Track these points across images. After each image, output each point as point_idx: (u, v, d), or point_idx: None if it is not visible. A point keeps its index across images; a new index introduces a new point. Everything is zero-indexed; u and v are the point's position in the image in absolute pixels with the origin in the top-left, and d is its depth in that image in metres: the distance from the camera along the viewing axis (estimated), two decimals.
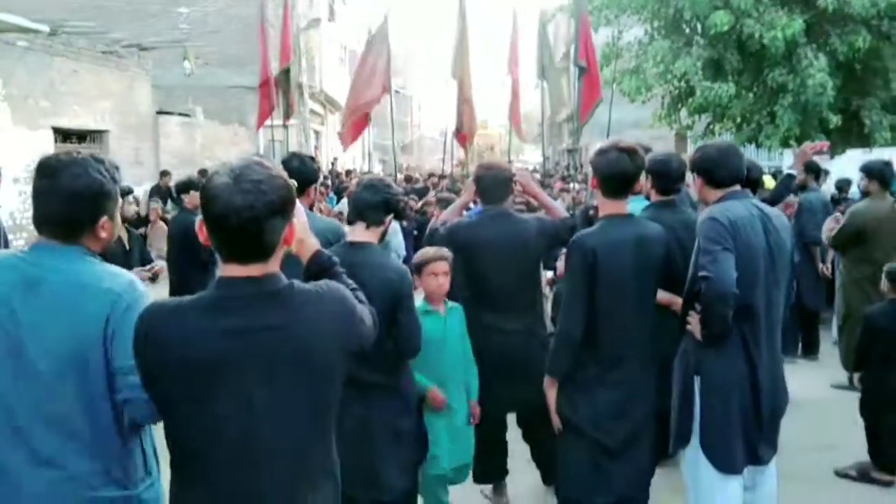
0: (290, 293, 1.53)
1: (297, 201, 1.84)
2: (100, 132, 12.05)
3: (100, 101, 11.86)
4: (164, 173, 12.27)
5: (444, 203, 6.46)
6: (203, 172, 11.17)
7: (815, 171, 6.37)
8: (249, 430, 1.48)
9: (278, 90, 13.69)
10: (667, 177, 3.41)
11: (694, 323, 2.70)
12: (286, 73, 14.13)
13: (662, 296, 2.94)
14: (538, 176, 13.17)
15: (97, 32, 12.36)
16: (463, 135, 13.82)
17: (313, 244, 1.81)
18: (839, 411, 4.85)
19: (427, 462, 3.05)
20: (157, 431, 1.66)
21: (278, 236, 1.51)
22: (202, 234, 1.52)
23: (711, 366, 2.71)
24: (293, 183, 1.56)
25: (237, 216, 1.43)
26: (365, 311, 1.67)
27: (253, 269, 1.50)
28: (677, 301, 2.87)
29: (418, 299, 3.16)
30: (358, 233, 2.69)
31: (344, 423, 2.45)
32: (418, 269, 3.16)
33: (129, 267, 4.24)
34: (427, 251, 3.21)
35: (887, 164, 5.26)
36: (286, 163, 3.33)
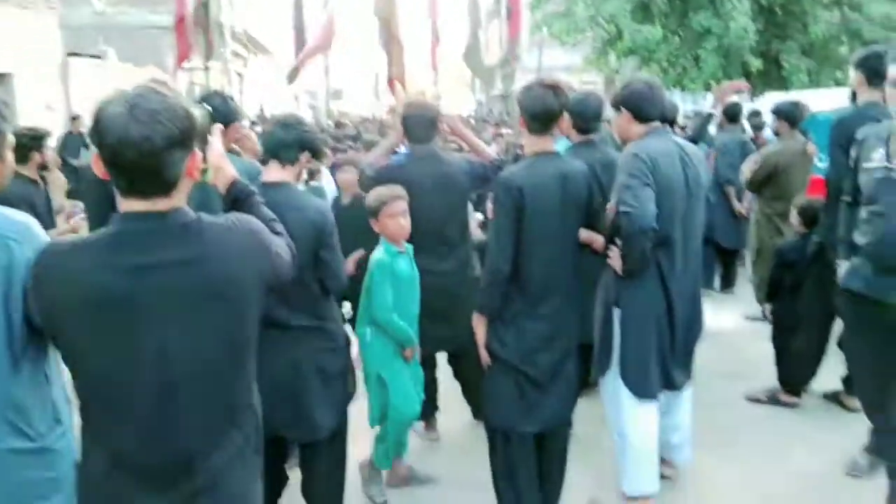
0: (199, 227, 1.47)
1: (217, 129, 1.76)
2: (2, 76, 11.24)
3: (2, 43, 11.03)
4: (75, 118, 11.61)
5: (370, 145, 6.36)
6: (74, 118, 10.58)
7: (732, 114, 6.55)
8: (163, 370, 1.44)
9: (197, 29, 13.03)
10: (584, 115, 3.44)
11: (614, 256, 2.78)
12: (205, 9, 13.44)
13: (583, 234, 3.00)
14: (472, 122, 13.15)
15: None
16: (392, 81, 13.58)
17: (230, 173, 1.75)
18: (752, 341, 5.14)
19: (394, 408, 3.12)
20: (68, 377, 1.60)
21: (179, 169, 1.43)
22: (97, 167, 1.44)
23: (630, 297, 2.82)
24: (197, 112, 1.48)
25: (133, 149, 1.36)
26: (282, 245, 1.63)
27: (157, 204, 1.43)
28: (598, 239, 2.94)
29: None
30: (273, 172, 2.61)
31: (272, 364, 2.44)
32: (374, 212, 3.09)
33: (42, 217, 3.96)
34: (381, 192, 3.12)
35: (795, 104, 5.44)
36: (207, 99, 3.18)
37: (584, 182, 2.79)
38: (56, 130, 11.50)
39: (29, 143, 4.52)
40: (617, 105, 2.93)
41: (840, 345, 3.94)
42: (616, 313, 2.86)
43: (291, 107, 28.20)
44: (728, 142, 6.39)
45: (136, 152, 1.36)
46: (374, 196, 3.12)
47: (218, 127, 1.83)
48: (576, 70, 15.09)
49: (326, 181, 8.53)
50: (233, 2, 18.94)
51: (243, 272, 1.50)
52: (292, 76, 13.35)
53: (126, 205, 1.44)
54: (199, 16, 13.21)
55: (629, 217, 2.60)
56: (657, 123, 2.89)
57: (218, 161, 1.71)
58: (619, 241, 2.74)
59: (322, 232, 2.55)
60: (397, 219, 3.07)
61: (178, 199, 1.47)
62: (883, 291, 2.84)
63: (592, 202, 2.86)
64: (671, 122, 4.11)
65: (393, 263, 3.09)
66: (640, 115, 2.86)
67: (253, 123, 15.52)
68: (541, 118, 2.68)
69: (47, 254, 1.47)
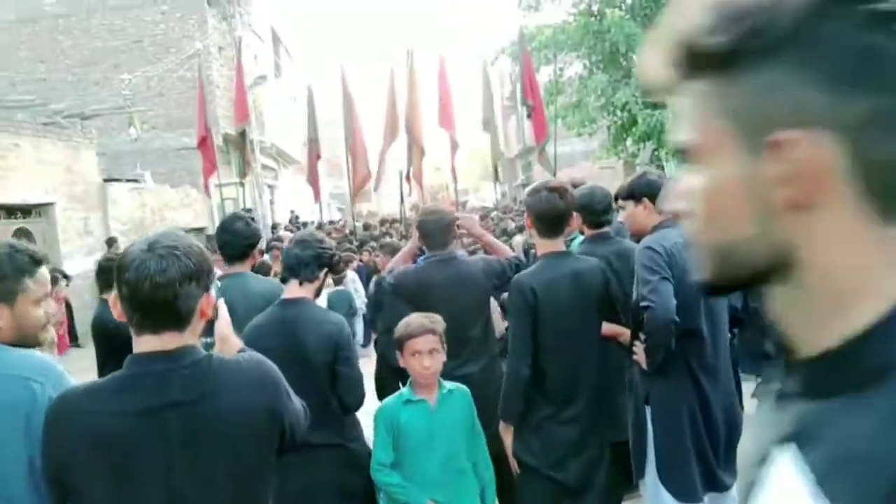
0: (209, 365, 1.49)
1: (223, 303, 1.81)
2: (45, 205, 11.81)
3: (43, 173, 11.67)
4: (111, 241, 12.06)
5: (387, 248, 6.44)
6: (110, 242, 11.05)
7: None
8: None
9: (232, 149, 13.69)
10: (591, 209, 3.45)
11: (639, 353, 2.72)
12: (241, 132, 14.15)
13: (607, 328, 2.95)
14: (499, 214, 13.33)
15: (38, 105, 12.22)
16: (409, 177, 14.02)
17: (235, 343, 1.78)
18: None
19: None
20: None
21: (194, 304, 1.48)
22: (115, 308, 1.49)
23: (660, 394, 2.73)
24: (210, 256, 1.56)
25: (150, 280, 1.42)
26: (294, 397, 1.64)
27: (167, 341, 1.46)
28: (622, 332, 2.88)
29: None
30: (292, 290, 2.66)
31: (291, 485, 2.39)
32: (399, 345, 2.63)
33: None
34: (410, 322, 2.64)
35: None
36: (229, 225, 3.27)
37: (598, 277, 2.77)
38: (96, 253, 11.98)
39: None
40: (635, 195, 2.92)
41: None
42: (647, 411, 2.77)
43: (320, 212, 28.98)
44: None
45: (152, 283, 1.42)
46: (402, 325, 2.67)
47: (222, 303, 1.87)
48: (594, 157, 15.33)
49: (353, 286, 8.65)
50: (263, 120, 19.90)
51: (252, 407, 1.50)
52: (360, 196, 13.92)
53: (138, 345, 1.48)
54: (234, 137, 13.89)
55: (650, 311, 2.57)
56: (669, 216, 2.89)
57: (224, 332, 1.76)
58: (643, 337, 2.69)
59: (338, 346, 2.55)
60: (422, 358, 2.55)
61: (190, 337, 1.50)
62: None
63: (610, 296, 2.83)
64: None
65: (398, 412, 2.57)
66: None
67: (286, 229, 15.99)
68: (549, 221, 2.71)
69: (61, 399, 1.51)
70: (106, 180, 13.80)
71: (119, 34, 17.29)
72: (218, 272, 7.35)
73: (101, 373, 4.67)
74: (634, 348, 2.76)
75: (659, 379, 2.71)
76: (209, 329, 1.69)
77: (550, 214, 2.69)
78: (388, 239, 10.60)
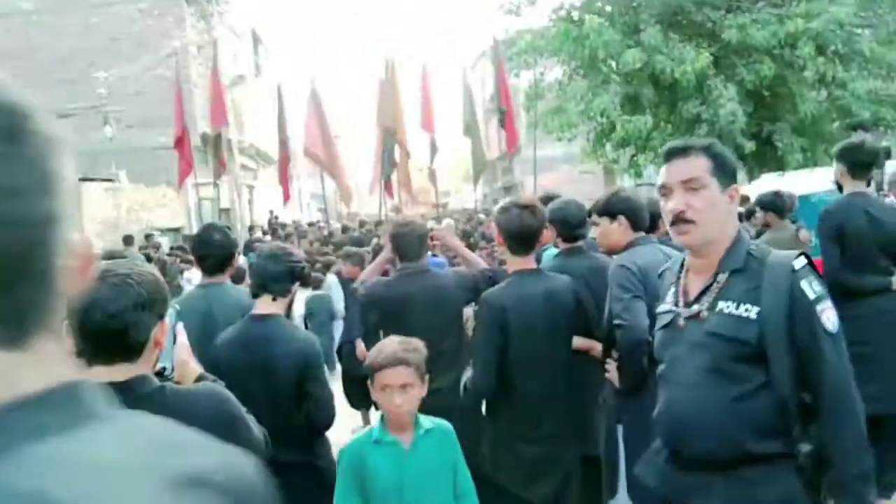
0: (161, 397, 1.45)
1: (181, 328, 1.77)
2: None
3: None
4: None
5: (354, 258, 6.38)
6: (128, 240, 10.88)
7: None
8: None
9: (207, 148, 13.58)
10: (566, 223, 3.42)
11: (612, 371, 2.71)
12: (217, 133, 14.05)
13: (579, 342, 2.94)
14: (481, 217, 13.33)
15: None
16: (389, 184, 14.04)
17: (194, 369, 1.74)
18: None
19: None
20: None
21: (146, 333, 1.44)
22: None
23: (632, 413, 2.71)
24: (164, 285, 1.52)
25: (99, 309, 1.39)
26: (254, 427, 1.60)
27: (118, 372, 1.42)
28: (594, 346, 2.87)
29: (375, 417, 2.34)
30: (264, 305, 2.61)
31: None
32: (370, 374, 2.24)
33: None
34: (382, 349, 2.23)
35: (777, 193, 5.47)
36: (206, 236, 3.21)
37: (569, 294, 2.76)
38: None
39: None
40: (611, 212, 2.87)
41: None
42: (619, 430, 2.75)
43: (300, 213, 28.82)
44: None
45: (102, 313, 1.39)
46: (373, 352, 2.28)
47: (180, 328, 1.84)
48: (574, 160, 15.41)
49: (333, 290, 8.59)
50: (242, 120, 19.72)
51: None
52: (346, 199, 13.99)
53: (90, 376, 1.44)
54: (208, 137, 13.78)
55: (623, 330, 2.56)
56: (642, 233, 2.88)
57: (183, 357, 1.72)
58: (615, 355, 2.68)
59: (307, 362, 2.52)
60: (392, 395, 2.14)
61: (143, 367, 1.46)
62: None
63: (582, 312, 2.82)
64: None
65: (366, 453, 2.19)
66: (637, 224, 2.84)
67: (264, 232, 15.85)
68: (520, 238, 2.69)
69: None
70: (80, 180, 13.57)
71: (95, 31, 17.03)
72: (196, 279, 7.26)
73: None
74: (607, 366, 2.75)
75: (630, 398, 2.70)
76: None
77: (521, 232, 2.68)
78: (376, 240, 10.55)
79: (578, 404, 2.81)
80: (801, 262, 1.70)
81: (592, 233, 3.05)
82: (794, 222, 5.38)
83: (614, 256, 2.85)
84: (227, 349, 2.55)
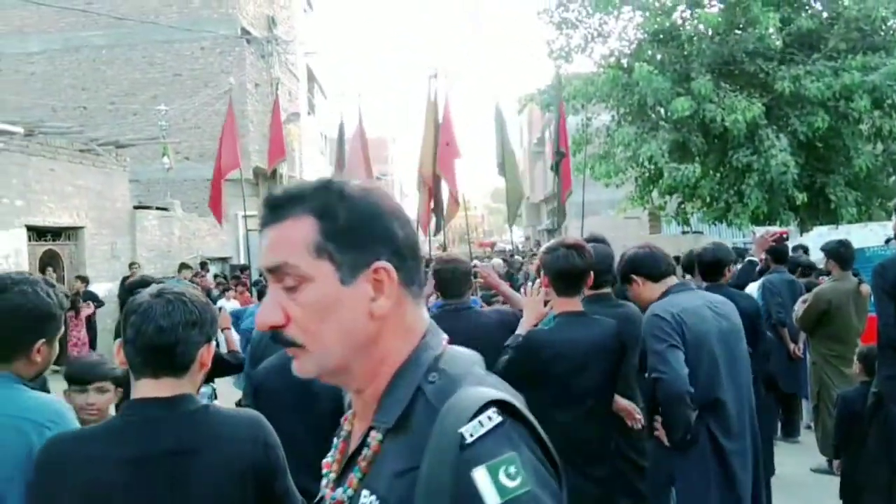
0: (203, 416, 1.49)
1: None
2: (75, 229, 12.05)
3: (75, 198, 11.94)
4: (132, 265, 12.23)
5: None
6: (183, 266, 11.18)
7: (777, 255, 6.42)
8: None
9: (262, 183, 13.96)
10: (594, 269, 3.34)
11: (659, 428, 2.60)
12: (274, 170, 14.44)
13: (621, 402, 2.87)
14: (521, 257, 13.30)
15: (74, 132, 12.57)
16: (425, 223, 14.25)
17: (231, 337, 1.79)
18: (820, 497, 4.73)
19: None
20: None
21: (194, 351, 1.49)
22: (118, 355, 1.52)
23: (686, 472, 2.58)
24: (214, 309, 1.58)
25: (153, 323, 1.45)
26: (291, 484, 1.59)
27: (164, 387, 1.47)
28: (633, 413, 2.81)
29: None
30: None
31: None
32: None
33: None
34: None
35: (842, 243, 5.34)
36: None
37: (616, 340, 2.72)
38: (120, 277, 12.16)
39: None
40: (625, 277, 2.85)
41: None
42: (673, 492, 2.63)
43: None
44: (776, 281, 6.24)
45: (155, 327, 1.45)
46: None
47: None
48: (619, 206, 15.31)
49: None
50: (294, 157, 20.22)
51: (241, 465, 1.49)
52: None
53: (137, 390, 1.48)
54: (264, 171, 14.17)
55: (662, 384, 2.46)
56: (673, 279, 2.81)
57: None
58: (661, 411, 2.58)
59: None
60: None
61: (189, 385, 1.50)
62: None
63: (626, 357, 2.77)
64: (722, 267, 3.91)
65: None
66: (652, 275, 2.79)
67: None
68: (566, 278, 2.68)
69: (53, 444, 1.49)
70: (136, 207, 14.07)
71: (159, 66, 17.80)
72: (228, 306, 7.35)
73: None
74: (655, 424, 2.65)
75: (682, 455, 2.56)
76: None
77: (568, 272, 2.66)
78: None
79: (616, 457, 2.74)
80: (479, 429, 0.83)
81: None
82: (856, 275, 5.23)
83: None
84: (267, 375, 2.58)
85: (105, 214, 12.80)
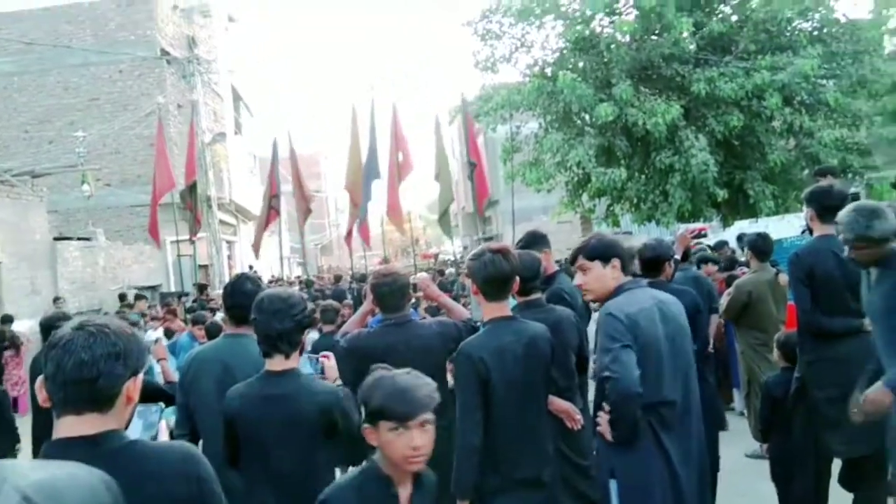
0: (131, 452, 1.43)
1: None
2: None
3: None
4: (57, 299, 11.73)
5: (328, 315, 6.25)
6: (122, 297, 10.74)
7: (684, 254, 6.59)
8: None
9: (184, 207, 13.68)
10: (521, 276, 3.18)
11: (603, 423, 2.62)
12: (192, 188, 14.09)
13: (556, 403, 2.91)
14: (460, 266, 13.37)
15: None
16: (349, 237, 14.43)
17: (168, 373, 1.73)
18: (755, 481, 4.90)
19: None
20: None
21: (118, 385, 1.43)
22: (40, 392, 1.45)
23: (627, 467, 2.60)
24: (149, 342, 1.53)
25: (73, 357, 1.39)
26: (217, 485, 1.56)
27: (88, 424, 1.41)
28: (572, 413, 2.84)
29: None
30: (277, 363, 2.44)
31: None
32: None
33: None
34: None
35: (761, 235, 5.59)
36: (238, 286, 3.08)
37: (547, 342, 2.76)
38: (41, 313, 11.60)
39: None
40: (606, 256, 2.73)
41: (841, 482, 3.76)
42: (613, 485, 2.68)
43: (280, 267, 28.65)
44: (679, 279, 6.39)
45: (76, 360, 1.39)
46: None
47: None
48: (552, 211, 15.61)
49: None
50: (222, 177, 19.79)
51: (176, 501, 1.44)
52: (256, 249, 14.32)
53: (59, 429, 1.42)
54: (185, 195, 13.85)
55: (613, 383, 2.46)
56: (629, 277, 2.80)
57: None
58: (606, 407, 2.60)
59: (337, 412, 2.39)
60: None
61: (114, 422, 1.44)
62: None
63: (556, 361, 2.80)
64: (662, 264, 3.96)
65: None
66: (626, 267, 2.74)
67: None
68: (494, 283, 2.70)
69: None
70: (56, 238, 13.48)
71: (74, 91, 17.17)
72: (152, 336, 7.07)
73: (35, 443, 4.45)
74: (598, 419, 2.68)
75: (624, 450, 2.58)
76: None
77: (495, 277, 2.68)
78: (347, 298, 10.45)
79: (554, 454, 2.77)
80: None
81: (577, 280, 2.95)
82: (774, 265, 5.49)
83: (596, 304, 2.83)
84: (243, 404, 2.38)
85: (23, 248, 12.21)
